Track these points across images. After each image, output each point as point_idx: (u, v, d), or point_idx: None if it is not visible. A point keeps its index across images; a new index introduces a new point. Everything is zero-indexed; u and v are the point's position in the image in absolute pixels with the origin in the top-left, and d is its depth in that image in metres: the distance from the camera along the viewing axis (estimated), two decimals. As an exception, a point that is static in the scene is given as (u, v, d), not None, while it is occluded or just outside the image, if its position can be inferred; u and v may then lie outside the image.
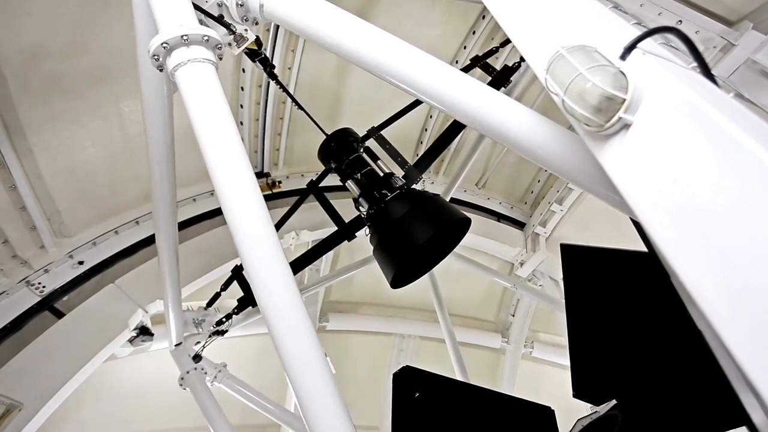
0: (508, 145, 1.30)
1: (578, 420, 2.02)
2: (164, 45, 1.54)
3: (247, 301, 3.18)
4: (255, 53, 2.26)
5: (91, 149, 3.50)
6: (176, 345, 3.31)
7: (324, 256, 4.86)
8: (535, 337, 6.17)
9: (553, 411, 2.35)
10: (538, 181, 5.91)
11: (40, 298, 3.36)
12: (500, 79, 3.61)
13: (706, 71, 0.89)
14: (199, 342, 3.42)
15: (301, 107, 2.85)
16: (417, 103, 3.32)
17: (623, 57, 0.88)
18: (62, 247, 3.61)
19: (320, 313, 5.32)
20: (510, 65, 3.68)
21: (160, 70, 1.63)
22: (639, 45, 0.89)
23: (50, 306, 3.40)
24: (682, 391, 1.78)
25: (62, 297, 3.47)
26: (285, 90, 2.77)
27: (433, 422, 2.18)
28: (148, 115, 2.06)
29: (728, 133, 0.61)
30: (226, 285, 3.35)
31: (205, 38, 1.58)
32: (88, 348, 3.25)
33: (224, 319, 3.46)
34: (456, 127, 3.26)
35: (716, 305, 0.56)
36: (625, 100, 0.80)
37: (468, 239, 5.59)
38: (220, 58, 1.67)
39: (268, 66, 2.40)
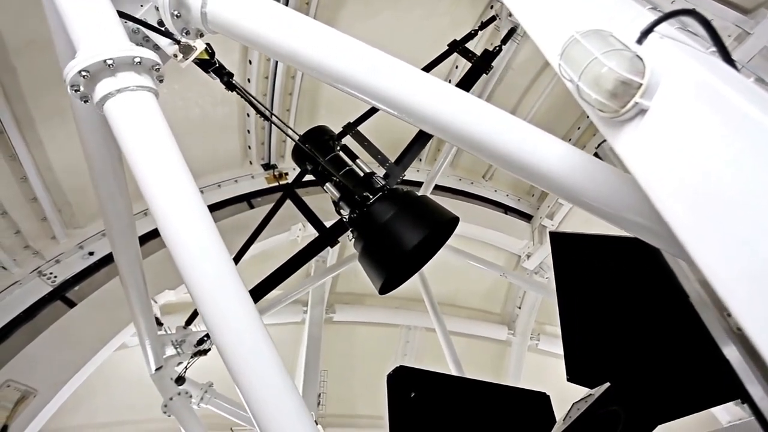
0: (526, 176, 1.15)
1: (573, 404, 2.04)
2: (83, 73, 1.22)
3: None
4: (207, 63, 2.01)
5: (100, 141, 3.53)
6: (156, 370, 3.01)
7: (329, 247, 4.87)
8: (542, 329, 6.16)
9: (548, 396, 2.38)
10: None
11: (52, 288, 3.42)
12: (481, 65, 3.38)
13: (725, 56, 0.87)
14: (181, 362, 3.17)
15: (267, 117, 2.59)
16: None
17: (640, 41, 0.86)
18: (73, 237, 3.66)
19: (327, 304, 5.35)
20: (490, 49, 3.44)
21: (85, 102, 1.31)
22: (656, 29, 0.87)
23: (62, 296, 3.46)
24: (675, 368, 1.80)
25: (73, 287, 3.53)
26: (248, 100, 2.43)
27: (431, 420, 2.19)
28: (85, 141, 1.74)
29: (751, 118, 0.60)
30: None
31: (137, 60, 1.27)
32: (100, 337, 3.31)
33: (205, 338, 3.22)
34: None
35: (734, 291, 0.55)
36: (641, 84, 0.79)
37: (474, 231, 5.62)
38: (161, 80, 1.38)
39: (224, 75, 2.15)
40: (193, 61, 1.63)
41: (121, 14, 1.42)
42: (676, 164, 0.68)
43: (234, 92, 2.24)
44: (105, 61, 1.22)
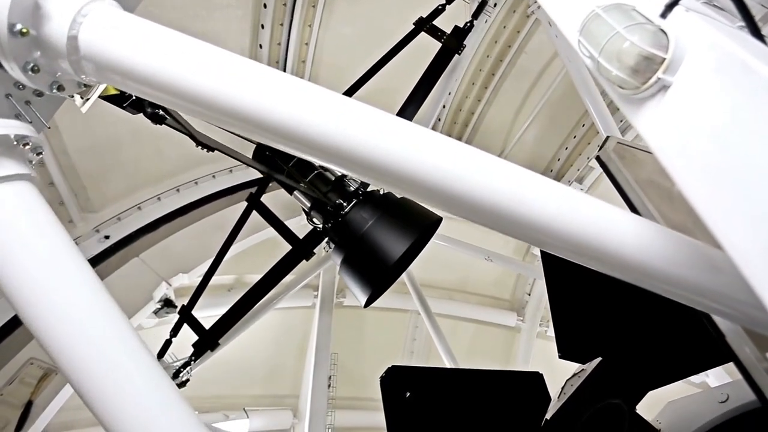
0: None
1: (567, 380, 2.05)
2: None
3: (204, 344, 2.72)
4: (119, 98, 1.68)
5: (115, 125, 3.56)
6: None
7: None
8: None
9: (541, 375, 2.38)
10: (558, 159, 5.78)
11: (70, 271, 3.50)
12: (452, 44, 3.04)
13: (754, 30, 0.84)
14: None
15: (208, 147, 2.26)
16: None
17: (664, 15, 0.83)
18: (89, 221, 3.73)
19: (337, 288, 5.41)
20: (461, 26, 3.10)
21: None
22: (681, 2, 0.84)
23: (80, 278, 3.54)
24: (664, 338, 1.82)
25: (90, 269, 3.61)
26: (184, 131, 2.19)
27: (428, 417, 2.19)
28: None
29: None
30: (175, 331, 2.94)
31: None
32: (117, 318, 3.39)
33: (181, 369, 2.95)
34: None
35: (758, 265, 0.54)
36: (664, 59, 0.76)
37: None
38: (39, 153, 1.01)
39: (145, 107, 1.84)
40: (101, 98, 1.29)
41: None
42: (702, 141, 0.66)
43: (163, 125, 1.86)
44: None
